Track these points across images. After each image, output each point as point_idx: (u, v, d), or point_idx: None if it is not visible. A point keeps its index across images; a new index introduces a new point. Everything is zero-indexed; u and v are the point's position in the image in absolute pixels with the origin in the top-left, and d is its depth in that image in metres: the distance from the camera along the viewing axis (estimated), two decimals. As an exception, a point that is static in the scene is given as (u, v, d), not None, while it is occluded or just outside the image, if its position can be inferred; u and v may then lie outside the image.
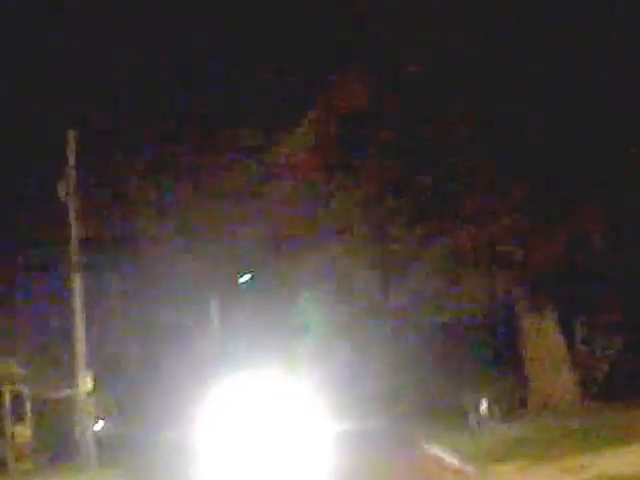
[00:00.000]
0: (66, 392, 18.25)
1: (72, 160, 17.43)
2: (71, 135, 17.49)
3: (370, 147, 14.72)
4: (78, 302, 17.02)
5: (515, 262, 15.41)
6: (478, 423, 15.84)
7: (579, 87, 13.65)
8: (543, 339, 16.41)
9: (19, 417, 18.31)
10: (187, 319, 21.35)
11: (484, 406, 16.42)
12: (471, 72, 14.08)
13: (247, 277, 21.68)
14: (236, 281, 21.77)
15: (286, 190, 15.96)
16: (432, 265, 15.60)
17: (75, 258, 17.07)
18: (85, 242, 17.27)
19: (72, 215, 17.26)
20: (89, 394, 16.78)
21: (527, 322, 16.57)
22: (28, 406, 18.47)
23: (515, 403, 17.06)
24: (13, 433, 18.02)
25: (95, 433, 17.05)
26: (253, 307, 21.57)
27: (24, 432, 18.36)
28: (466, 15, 13.93)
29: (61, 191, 17.34)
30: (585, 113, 13.76)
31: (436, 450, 13.45)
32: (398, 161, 14.66)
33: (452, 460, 12.06)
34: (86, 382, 16.75)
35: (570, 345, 16.84)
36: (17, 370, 18.66)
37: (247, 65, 15.35)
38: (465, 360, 18.87)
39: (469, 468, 11.17)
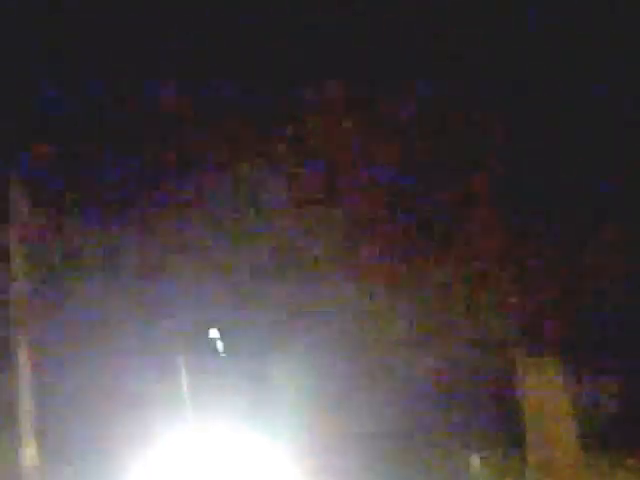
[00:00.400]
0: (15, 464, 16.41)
1: (14, 215, 16.02)
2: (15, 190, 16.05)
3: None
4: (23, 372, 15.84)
5: (510, 303, 14.02)
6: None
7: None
8: (543, 393, 14.91)
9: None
10: (151, 387, 19.85)
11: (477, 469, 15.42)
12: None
13: (216, 336, 20.37)
14: (205, 342, 20.48)
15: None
16: (416, 310, 14.23)
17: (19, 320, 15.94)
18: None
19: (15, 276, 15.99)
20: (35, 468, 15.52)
21: (524, 373, 15.02)
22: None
23: (512, 465, 15.66)
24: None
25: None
26: (224, 370, 20.24)
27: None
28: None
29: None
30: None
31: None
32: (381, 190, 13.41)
33: None
34: (32, 454, 15.52)
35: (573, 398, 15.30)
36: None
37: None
38: (454, 416, 17.26)
39: None
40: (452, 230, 13.86)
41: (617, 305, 14.12)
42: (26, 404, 15.67)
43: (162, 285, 16.84)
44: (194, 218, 15.32)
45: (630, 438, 15.28)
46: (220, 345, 20.01)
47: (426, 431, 17.41)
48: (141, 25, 14.08)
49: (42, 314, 16.91)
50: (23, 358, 15.98)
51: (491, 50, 12.75)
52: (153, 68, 13.94)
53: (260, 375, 18.86)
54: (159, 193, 15.35)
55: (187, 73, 13.68)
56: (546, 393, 15.02)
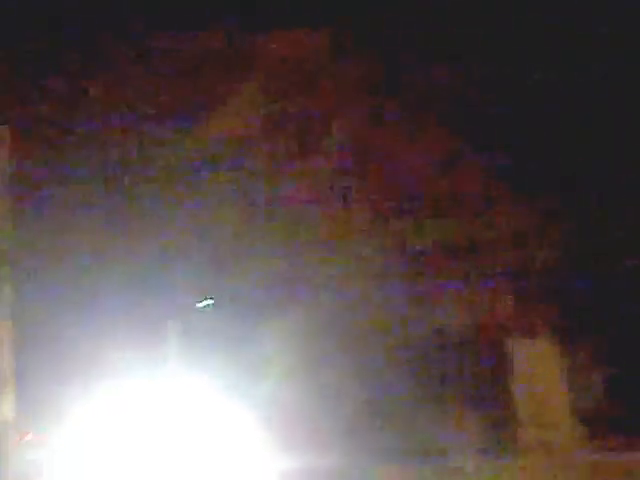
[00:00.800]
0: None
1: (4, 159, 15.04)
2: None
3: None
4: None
5: (502, 269, 13.53)
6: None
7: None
8: (535, 367, 14.43)
9: None
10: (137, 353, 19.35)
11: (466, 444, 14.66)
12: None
13: (206, 302, 19.85)
14: (195, 306, 19.97)
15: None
16: (399, 275, 13.66)
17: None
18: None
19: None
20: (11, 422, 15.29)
21: (516, 346, 14.49)
22: None
23: (502, 441, 14.93)
24: None
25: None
26: (215, 336, 19.74)
27: None
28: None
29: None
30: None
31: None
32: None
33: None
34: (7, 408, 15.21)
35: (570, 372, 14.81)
36: None
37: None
38: (444, 388, 16.44)
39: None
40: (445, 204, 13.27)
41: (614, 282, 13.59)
42: (6, 357, 15.38)
43: (154, 247, 16.55)
44: (184, 182, 14.92)
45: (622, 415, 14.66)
46: (209, 307, 19.85)
47: (412, 400, 16.72)
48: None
49: (27, 263, 16.48)
50: (5, 312, 15.66)
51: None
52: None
53: (248, 339, 18.55)
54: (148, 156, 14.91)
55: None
56: (540, 372, 14.55)
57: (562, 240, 13.28)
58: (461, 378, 16.72)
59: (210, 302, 20.56)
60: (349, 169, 13.39)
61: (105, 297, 18.57)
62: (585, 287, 13.38)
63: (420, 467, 14.49)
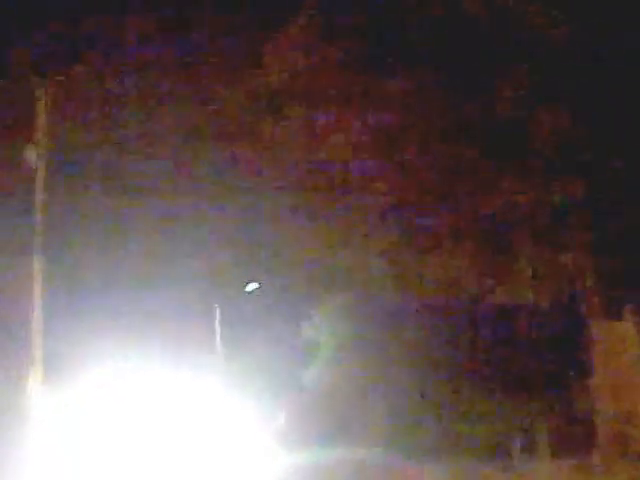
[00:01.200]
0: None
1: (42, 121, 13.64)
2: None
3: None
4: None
5: (583, 242, 12.20)
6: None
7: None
8: (618, 352, 13.16)
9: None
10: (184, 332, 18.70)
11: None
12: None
13: (253, 286, 19.19)
14: (241, 290, 19.30)
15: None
16: (468, 252, 12.55)
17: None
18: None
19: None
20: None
21: (597, 328, 13.29)
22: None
23: (578, 436, 13.82)
24: None
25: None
26: (260, 321, 19.22)
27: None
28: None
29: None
30: None
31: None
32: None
33: None
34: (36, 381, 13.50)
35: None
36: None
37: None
38: (511, 374, 15.64)
39: None
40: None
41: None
42: (37, 324, 13.57)
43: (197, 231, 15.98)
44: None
45: None
46: (251, 287, 19.01)
47: (474, 391, 15.80)
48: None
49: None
50: (38, 277, 14.40)
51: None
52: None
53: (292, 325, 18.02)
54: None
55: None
56: (623, 358, 13.25)
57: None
58: (531, 365, 15.83)
59: (255, 287, 20.40)
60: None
61: (148, 282, 18.25)
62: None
63: (483, 469, 13.17)
